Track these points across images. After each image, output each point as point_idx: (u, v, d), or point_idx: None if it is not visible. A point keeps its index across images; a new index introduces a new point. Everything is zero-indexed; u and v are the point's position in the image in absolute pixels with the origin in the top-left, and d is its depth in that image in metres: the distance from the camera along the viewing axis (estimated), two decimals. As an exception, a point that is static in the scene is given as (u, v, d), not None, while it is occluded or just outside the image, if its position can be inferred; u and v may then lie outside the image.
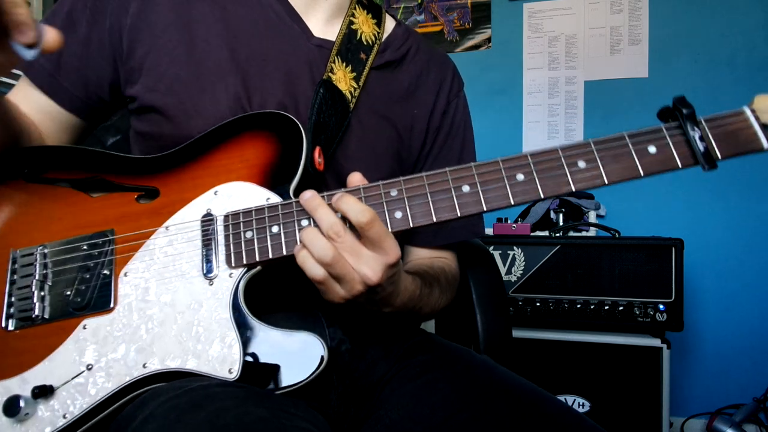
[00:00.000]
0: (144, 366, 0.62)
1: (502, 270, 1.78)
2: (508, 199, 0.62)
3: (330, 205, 0.62)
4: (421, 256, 0.90)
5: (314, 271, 0.61)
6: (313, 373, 0.59)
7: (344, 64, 0.82)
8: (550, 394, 0.70)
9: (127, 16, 0.77)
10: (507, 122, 2.45)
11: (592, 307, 1.70)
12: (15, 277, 0.69)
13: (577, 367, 1.70)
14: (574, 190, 0.61)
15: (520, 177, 0.62)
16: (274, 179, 0.68)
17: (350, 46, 0.84)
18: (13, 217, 0.72)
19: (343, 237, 0.60)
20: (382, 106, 0.85)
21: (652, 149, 0.61)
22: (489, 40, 2.48)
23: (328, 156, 0.76)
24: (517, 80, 2.44)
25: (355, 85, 0.82)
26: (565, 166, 0.61)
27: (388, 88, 0.87)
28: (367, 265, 0.60)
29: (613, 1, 2.33)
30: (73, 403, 0.62)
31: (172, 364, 0.62)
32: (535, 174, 0.62)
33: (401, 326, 0.86)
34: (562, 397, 1.71)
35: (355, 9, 0.87)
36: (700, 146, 0.60)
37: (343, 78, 0.81)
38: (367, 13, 0.88)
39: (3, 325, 0.67)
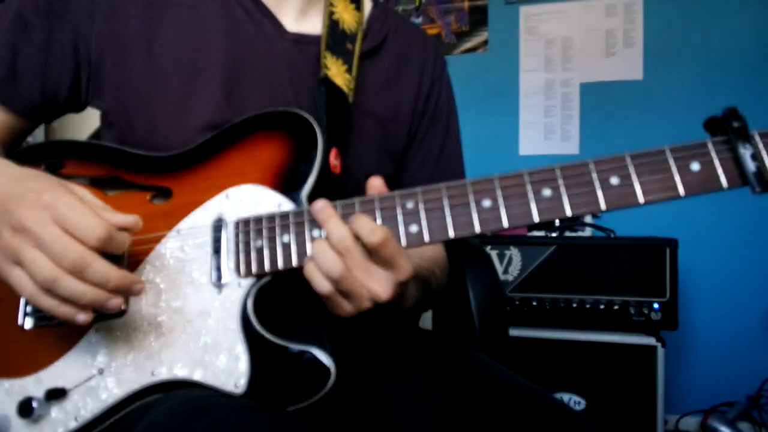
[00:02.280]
0: (152, 374, 0.62)
1: (499, 270, 1.79)
2: (531, 216, 0.56)
3: (344, 215, 0.59)
4: None
5: (321, 285, 0.58)
6: (321, 392, 0.58)
7: (335, 57, 0.77)
8: (547, 392, 0.68)
9: (92, 24, 0.74)
10: (504, 123, 2.45)
11: (587, 306, 1.71)
12: None
13: (573, 366, 1.71)
14: (604, 209, 0.55)
15: (547, 192, 0.56)
16: (287, 183, 0.65)
17: (336, 38, 0.79)
18: None
19: (353, 252, 0.56)
20: (367, 98, 0.80)
21: (695, 166, 0.54)
22: (486, 42, 2.49)
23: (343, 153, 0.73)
24: (514, 82, 2.45)
25: (349, 78, 0.77)
26: (597, 182, 0.55)
27: (370, 78, 0.82)
28: (377, 283, 0.57)
29: (609, 4, 2.34)
30: (84, 406, 0.62)
31: (180, 373, 0.61)
32: (563, 189, 0.56)
33: (400, 326, 0.85)
34: (558, 395, 1.71)
35: None
36: (752, 166, 0.52)
37: (338, 73, 0.77)
38: None
39: (20, 323, 0.66)
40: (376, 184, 0.62)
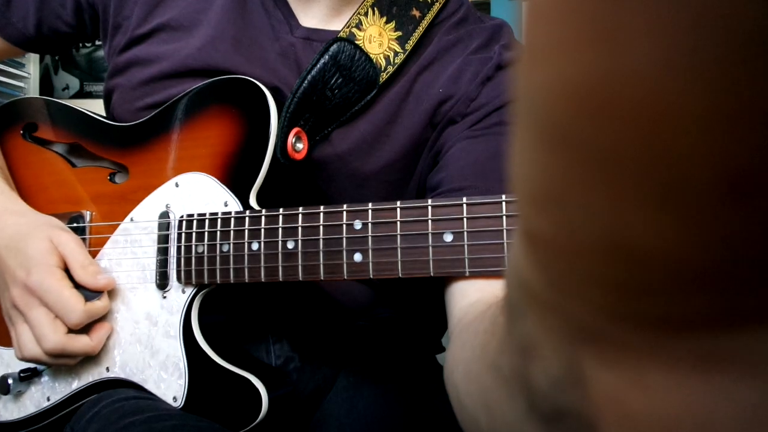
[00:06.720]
0: (107, 369, 0.61)
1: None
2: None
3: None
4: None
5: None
6: (250, 425, 0.56)
7: (383, 18, 0.61)
8: None
9: None
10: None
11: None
12: None
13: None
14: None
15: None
16: (237, 174, 0.58)
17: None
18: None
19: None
20: (424, 87, 0.62)
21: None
22: (489, 39, 2.41)
23: (320, 137, 0.61)
24: (518, 82, 2.38)
25: (398, 49, 0.61)
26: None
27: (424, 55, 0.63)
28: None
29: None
30: (54, 387, 0.64)
31: (128, 374, 0.61)
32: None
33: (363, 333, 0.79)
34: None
35: None
36: None
37: (377, 36, 0.61)
38: None
39: None
40: None
